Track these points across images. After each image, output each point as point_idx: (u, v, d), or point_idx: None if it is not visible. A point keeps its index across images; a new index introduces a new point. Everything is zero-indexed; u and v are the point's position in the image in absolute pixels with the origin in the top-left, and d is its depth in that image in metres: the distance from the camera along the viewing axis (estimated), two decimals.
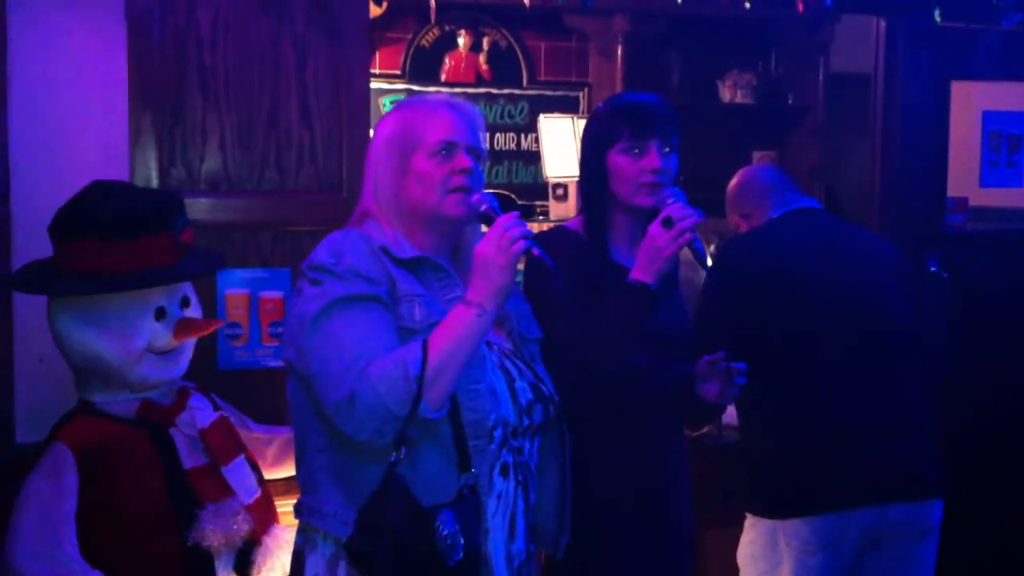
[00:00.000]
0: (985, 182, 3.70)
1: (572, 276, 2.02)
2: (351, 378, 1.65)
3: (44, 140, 2.50)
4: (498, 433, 1.79)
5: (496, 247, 1.70)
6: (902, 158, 3.48)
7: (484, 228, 1.79)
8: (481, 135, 1.90)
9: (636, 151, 2.08)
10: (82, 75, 2.54)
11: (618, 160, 2.09)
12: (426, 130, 1.84)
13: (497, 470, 1.79)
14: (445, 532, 1.65)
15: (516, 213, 1.75)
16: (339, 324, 1.70)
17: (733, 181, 2.82)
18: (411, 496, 1.66)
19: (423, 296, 1.78)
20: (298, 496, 1.88)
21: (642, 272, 1.98)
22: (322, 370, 1.69)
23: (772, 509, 2.48)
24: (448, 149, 1.83)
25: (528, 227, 1.74)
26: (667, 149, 2.09)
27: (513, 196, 4.05)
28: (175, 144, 2.54)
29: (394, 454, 1.66)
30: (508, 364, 1.87)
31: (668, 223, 1.96)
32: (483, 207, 1.80)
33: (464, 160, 1.83)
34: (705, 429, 2.71)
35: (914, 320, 2.59)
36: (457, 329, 1.69)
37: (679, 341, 2.17)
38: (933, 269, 3.49)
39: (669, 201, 2.01)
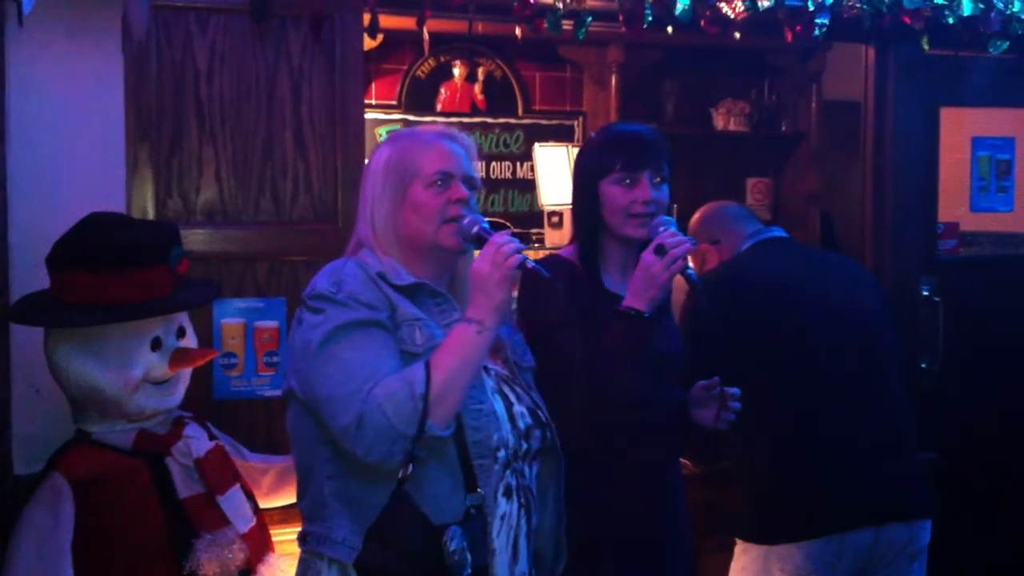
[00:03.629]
0: (976, 207, 3.72)
1: (567, 303, 2.04)
2: (358, 401, 1.67)
3: (41, 171, 2.52)
4: (502, 454, 1.80)
5: (492, 263, 1.73)
6: (893, 184, 3.49)
7: (476, 252, 1.82)
8: (475, 164, 1.93)
9: (628, 182, 2.10)
10: (79, 107, 2.57)
11: (610, 190, 2.11)
12: (423, 161, 1.86)
13: (501, 491, 1.80)
14: (453, 548, 1.67)
15: (508, 231, 1.78)
16: (344, 350, 1.72)
17: (696, 216, 2.82)
18: (420, 512, 1.69)
19: (423, 320, 1.81)
20: (293, 525, 1.88)
21: (636, 300, 1.99)
22: (330, 396, 1.70)
23: (764, 534, 2.48)
24: (444, 180, 1.85)
25: (520, 243, 1.77)
26: (658, 179, 2.11)
27: (508, 224, 4.07)
28: (171, 175, 2.57)
29: (401, 471, 1.68)
30: (506, 389, 1.89)
31: (661, 251, 1.97)
32: (475, 229, 1.83)
33: (460, 190, 1.85)
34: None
35: (898, 341, 2.61)
36: (459, 347, 1.72)
37: (673, 367, 2.18)
38: (925, 294, 3.50)
39: (661, 229, 2.02)
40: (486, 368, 1.87)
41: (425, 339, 1.78)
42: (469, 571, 1.69)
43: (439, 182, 1.85)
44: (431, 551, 1.68)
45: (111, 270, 2.00)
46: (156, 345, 2.07)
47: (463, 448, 1.76)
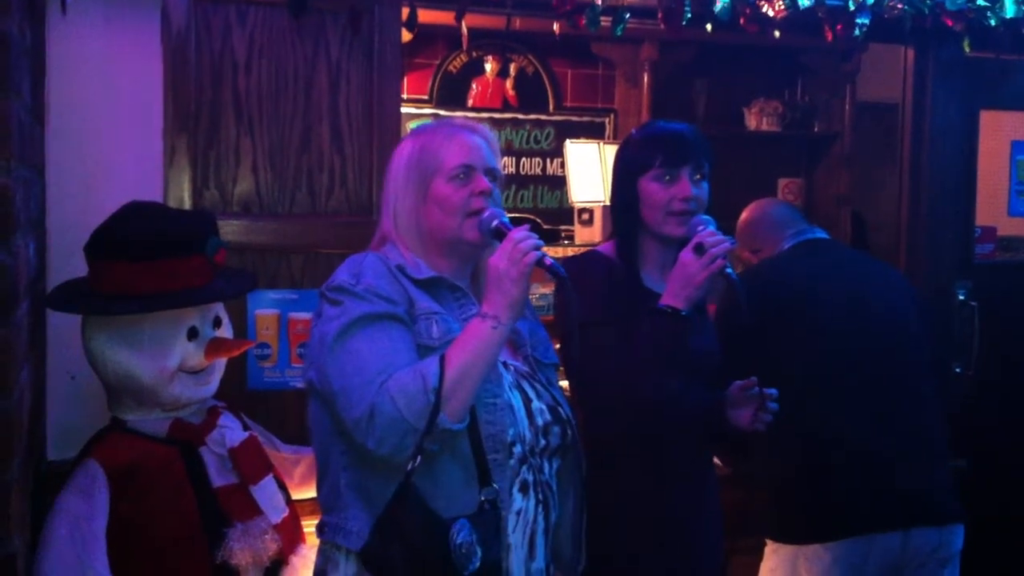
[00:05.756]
0: (1014, 211, 3.69)
1: (605, 300, 2.03)
2: (370, 393, 1.67)
3: (80, 160, 2.53)
4: (517, 449, 1.80)
5: (509, 259, 1.71)
6: (930, 187, 3.46)
7: (497, 243, 1.80)
8: (497, 157, 1.92)
9: (667, 178, 2.08)
10: (118, 97, 2.57)
11: (649, 187, 2.10)
12: (444, 155, 1.85)
13: (516, 487, 1.80)
14: (459, 541, 1.66)
15: (527, 225, 1.76)
16: (359, 342, 1.72)
17: (743, 216, 2.83)
18: (426, 505, 1.68)
19: (440, 314, 1.80)
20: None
21: (673, 298, 1.98)
22: (343, 387, 1.70)
23: (793, 534, 2.48)
24: (466, 173, 1.84)
25: (539, 239, 1.74)
26: (698, 177, 2.10)
27: (538, 220, 4.07)
28: (209, 166, 2.58)
29: (410, 463, 1.67)
30: (525, 385, 1.88)
31: (700, 250, 1.95)
32: (494, 223, 1.81)
33: (482, 183, 1.84)
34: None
35: (930, 345, 2.59)
36: (473, 342, 1.70)
37: (709, 366, 2.17)
38: (961, 298, 3.47)
39: (700, 228, 2.01)
40: (505, 364, 1.86)
41: (442, 333, 1.78)
42: (477, 564, 1.67)
43: (461, 176, 1.84)
44: (436, 544, 1.66)
45: (149, 259, 2.01)
46: (192, 334, 2.08)
47: (477, 442, 1.75)
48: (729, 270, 1.97)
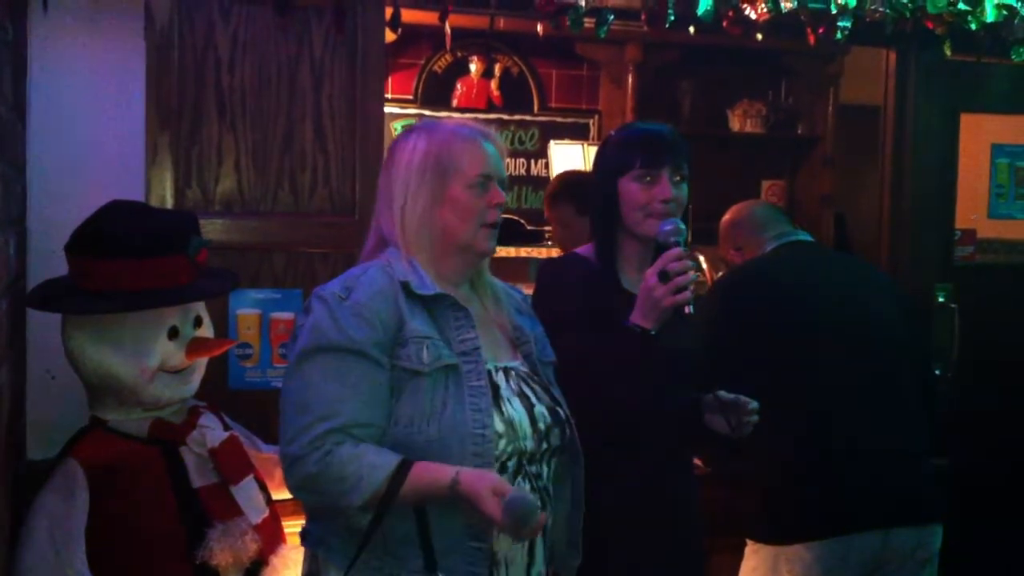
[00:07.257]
0: (993, 213, 3.72)
1: (582, 304, 2.03)
2: (306, 440, 1.65)
3: (61, 159, 2.51)
4: (511, 464, 1.78)
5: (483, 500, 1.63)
6: (911, 189, 3.50)
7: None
8: (505, 164, 1.92)
9: (647, 179, 2.09)
10: (100, 95, 2.56)
11: (629, 187, 2.10)
12: (465, 160, 1.82)
13: None
14: None
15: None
16: (314, 372, 1.70)
17: (727, 217, 2.85)
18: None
19: (432, 339, 1.76)
20: (304, 517, 1.88)
21: (641, 318, 1.96)
22: (285, 417, 1.71)
23: (774, 534, 2.48)
24: (484, 182, 1.83)
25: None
26: (678, 178, 2.10)
27: (522, 221, 4.07)
28: (191, 165, 2.57)
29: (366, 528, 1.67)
30: (527, 389, 1.86)
31: (664, 277, 1.94)
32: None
33: (499, 195, 1.84)
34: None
35: (913, 346, 2.61)
36: (425, 491, 1.67)
37: (688, 367, 2.17)
38: (941, 300, 3.50)
39: (672, 239, 1.99)
40: (506, 369, 1.85)
41: (432, 359, 1.74)
42: None
43: (480, 185, 1.82)
44: None
45: (131, 258, 2.00)
46: (173, 334, 2.07)
47: (424, 530, 1.71)
48: (690, 308, 1.95)
